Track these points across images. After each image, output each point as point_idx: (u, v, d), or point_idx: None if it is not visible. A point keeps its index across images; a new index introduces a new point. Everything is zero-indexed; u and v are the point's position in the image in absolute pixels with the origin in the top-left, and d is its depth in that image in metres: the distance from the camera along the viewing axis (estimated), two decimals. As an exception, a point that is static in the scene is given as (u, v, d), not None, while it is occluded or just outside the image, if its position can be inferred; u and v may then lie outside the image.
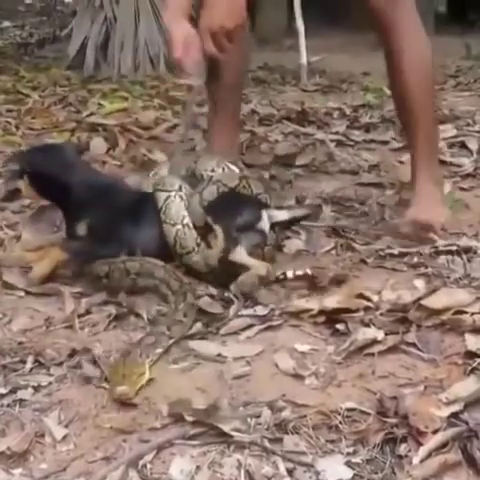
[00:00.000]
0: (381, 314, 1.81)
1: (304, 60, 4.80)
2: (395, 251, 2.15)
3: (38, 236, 2.26)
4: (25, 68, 5.14)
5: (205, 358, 1.68)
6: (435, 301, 1.81)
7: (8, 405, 1.52)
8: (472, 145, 3.12)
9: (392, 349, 1.68)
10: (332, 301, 1.83)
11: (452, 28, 6.08)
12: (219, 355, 1.68)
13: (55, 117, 3.75)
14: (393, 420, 1.43)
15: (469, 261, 2.08)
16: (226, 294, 1.92)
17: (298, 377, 1.59)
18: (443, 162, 2.87)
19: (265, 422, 1.44)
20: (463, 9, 7.08)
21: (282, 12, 6.05)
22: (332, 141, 3.21)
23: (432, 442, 1.36)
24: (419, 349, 1.68)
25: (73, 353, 1.70)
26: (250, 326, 1.79)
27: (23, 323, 1.84)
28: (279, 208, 2.18)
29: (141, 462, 1.35)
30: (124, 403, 1.51)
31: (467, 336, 1.69)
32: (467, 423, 1.41)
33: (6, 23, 7.90)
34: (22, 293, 1.98)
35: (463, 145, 3.14)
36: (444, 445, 1.36)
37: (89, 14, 5.16)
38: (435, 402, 1.47)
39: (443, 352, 1.67)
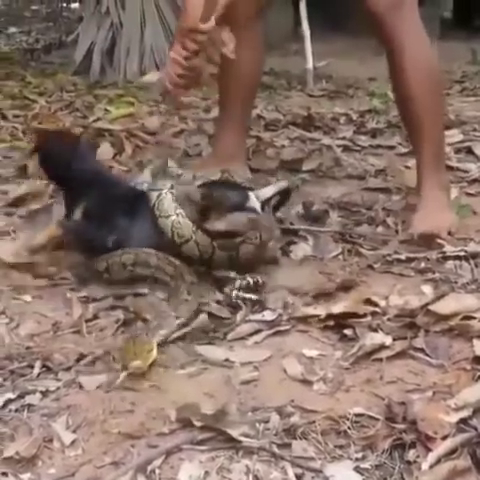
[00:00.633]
0: (389, 319, 1.80)
1: (310, 65, 4.80)
2: (402, 256, 2.15)
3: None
4: (31, 74, 5.15)
5: (212, 363, 1.67)
6: (443, 306, 1.81)
7: (16, 410, 1.52)
8: (478, 150, 3.12)
9: (400, 354, 1.67)
10: (339, 307, 1.83)
11: (458, 33, 6.07)
12: (227, 360, 1.68)
13: (62, 122, 3.75)
14: (402, 426, 1.42)
15: (477, 266, 2.08)
16: (233, 300, 1.92)
17: (306, 382, 1.59)
18: (449, 167, 2.86)
19: (274, 427, 1.44)
20: (469, 14, 7.09)
21: (287, 17, 6.06)
22: (338, 146, 3.21)
23: (441, 448, 1.35)
24: (427, 354, 1.68)
25: (81, 358, 1.70)
26: (258, 331, 1.79)
27: (31, 328, 1.84)
28: (260, 187, 2.19)
29: (150, 467, 1.35)
30: (131, 410, 1.51)
31: (475, 342, 1.69)
32: (476, 429, 1.40)
33: (12, 29, 7.93)
34: (29, 298, 1.99)
35: (469, 150, 3.14)
36: (453, 451, 1.35)
37: (95, 20, 5.18)
38: (444, 408, 1.46)
39: (451, 358, 1.67)
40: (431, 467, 1.33)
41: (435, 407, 1.47)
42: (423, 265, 2.10)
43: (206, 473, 1.34)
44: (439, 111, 2.44)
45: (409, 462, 1.36)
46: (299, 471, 1.34)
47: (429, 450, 1.36)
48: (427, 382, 1.58)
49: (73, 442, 1.43)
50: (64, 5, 7.88)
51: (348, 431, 1.43)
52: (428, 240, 2.20)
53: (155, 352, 1.64)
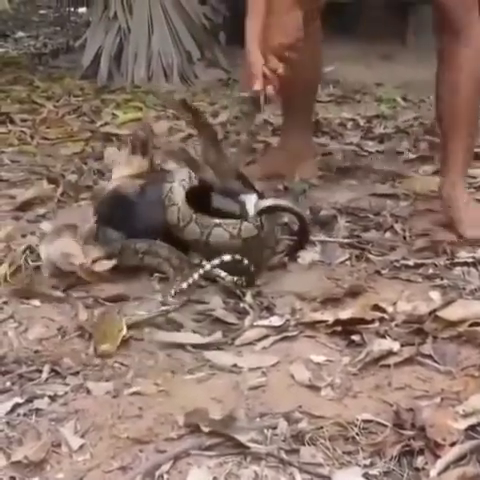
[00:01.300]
0: (397, 325, 1.80)
1: (317, 70, 4.79)
2: (410, 262, 2.14)
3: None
4: (39, 78, 5.16)
5: (220, 368, 1.68)
6: (451, 313, 1.81)
7: (25, 414, 1.53)
8: (486, 156, 3.11)
9: (408, 361, 1.67)
10: (347, 313, 1.83)
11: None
12: (235, 366, 1.68)
13: (69, 127, 3.77)
14: (410, 432, 1.42)
15: (485, 273, 2.08)
16: (241, 305, 1.92)
17: (314, 388, 1.59)
18: (457, 173, 2.86)
19: (282, 433, 1.44)
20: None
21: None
22: (346, 152, 3.21)
23: (450, 455, 1.36)
24: (435, 361, 1.68)
25: (88, 362, 1.70)
26: (265, 337, 1.79)
27: (39, 332, 1.85)
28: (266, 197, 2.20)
29: (158, 472, 1.35)
30: (139, 415, 1.51)
31: (483, 348, 1.69)
32: (485, 436, 1.41)
33: (20, 33, 7.94)
34: (38, 302, 1.99)
35: (477, 156, 3.13)
36: (462, 458, 1.36)
37: (103, 25, 5.18)
38: (452, 414, 1.46)
39: (459, 364, 1.67)
40: (439, 474, 1.33)
41: (443, 414, 1.47)
42: (431, 271, 2.10)
43: (214, 479, 1.34)
44: (477, 113, 2.45)
45: (417, 469, 1.36)
46: (307, 477, 1.34)
47: (438, 457, 1.36)
48: (435, 388, 1.58)
49: (81, 447, 1.43)
50: (72, 10, 7.86)
51: (356, 437, 1.43)
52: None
53: (124, 332, 1.73)
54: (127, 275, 2.11)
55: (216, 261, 1.95)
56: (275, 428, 1.45)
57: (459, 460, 1.35)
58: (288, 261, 2.17)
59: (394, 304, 1.88)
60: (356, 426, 1.45)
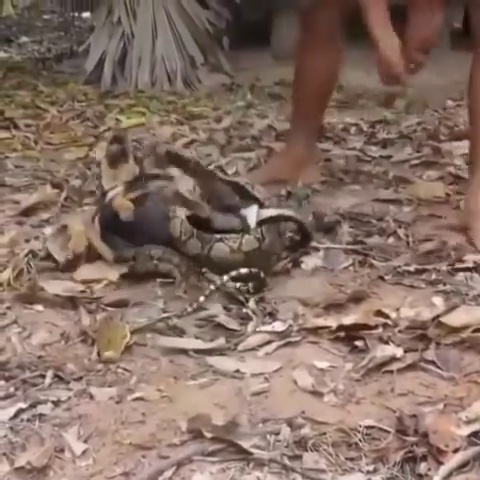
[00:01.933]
0: (400, 331, 1.80)
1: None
2: (413, 268, 2.14)
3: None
4: (43, 83, 5.18)
5: (223, 374, 1.68)
6: (454, 318, 1.81)
7: (28, 420, 1.53)
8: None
9: (411, 367, 1.67)
10: (350, 319, 1.83)
11: (468, 44, 6.06)
12: (237, 371, 1.68)
13: (73, 132, 3.78)
14: (413, 438, 1.42)
15: (488, 278, 2.08)
16: (244, 310, 1.93)
17: (317, 394, 1.59)
18: (461, 178, 2.87)
19: (284, 439, 1.44)
20: (479, 25, 7.07)
21: (297, 28, 6.07)
22: (349, 157, 3.21)
23: (453, 461, 1.35)
24: (438, 367, 1.67)
25: (92, 368, 1.71)
26: (268, 342, 1.79)
27: (42, 337, 1.85)
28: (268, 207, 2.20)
29: (160, 478, 1.35)
30: (142, 420, 1.52)
31: (486, 354, 1.69)
32: (488, 442, 1.40)
33: (24, 38, 7.97)
34: (41, 307, 1.99)
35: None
36: (465, 464, 1.35)
37: (107, 30, 5.20)
38: (455, 421, 1.46)
39: (462, 370, 1.66)
40: (442, 480, 1.33)
41: (446, 420, 1.47)
42: (434, 277, 2.10)
43: (217, 485, 1.34)
44: None
45: (420, 475, 1.35)
46: (310, 483, 1.34)
47: (441, 463, 1.36)
48: (438, 395, 1.58)
49: (84, 452, 1.43)
50: (76, 15, 7.91)
51: (359, 443, 1.43)
52: None
53: (128, 338, 1.75)
54: (130, 280, 2.12)
55: (233, 273, 1.96)
56: (278, 434, 1.45)
57: (462, 467, 1.35)
58: (291, 267, 2.17)
59: (397, 310, 1.88)
60: (359, 432, 1.45)
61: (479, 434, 1.43)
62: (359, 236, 2.37)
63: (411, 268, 2.14)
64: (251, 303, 1.94)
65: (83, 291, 2.06)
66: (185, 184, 2.15)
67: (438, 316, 1.82)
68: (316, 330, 1.82)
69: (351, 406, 1.55)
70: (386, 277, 2.11)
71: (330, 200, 2.70)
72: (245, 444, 1.41)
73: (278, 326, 1.84)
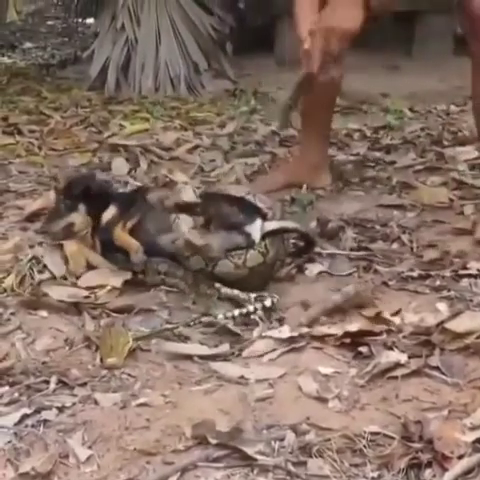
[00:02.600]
0: (404, 337, 1.80)
1: (324, 81, 4.80)
2: (417, 274, 2.14)
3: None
4: (47, 89, 5.18)
5: (228, 380, 1.68)
6: (458, 324, 1.81)
7: (32, 425, 1.53)
8: (494, 167, 3.11)
9: (415, 373, 1.67)
10: (355, 325, 1.83)
11: (471, 50, 6.07)
12: (242, 377, 1.68)
13: (77, 138, 3.78)
14: (418, 445, 1.42)
15: (492, 284, 2.08)
16: (252, 317, 1.93)
17: (321, 400, 1.59)
18: (464, 184, 2.87)
19: (289, 445, 1.44)
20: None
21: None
22: (353, 162, 3.21)
23: (457, 467, 1.35)
24: (443, 373, 1.67)
25: (96, 374, 1.71)
26: (273, 348, 1.79)
27: (46, 343, 1.86)
28: (271, 219, 2.21)
29: (165, 484, 1.35)
30: (146, 426, 1.52)
31: (491, 360, 1.69)
32: (493, 448, 1.40)
33: (28, 44, 7.98)
34: (45, 313, 2.00)
35: None
36: (470, 471, 1.35)
37: (111, 36, 5.21)
38: (460, 427, 1.46)
39: (467, 376, 1.66)
40: (447, 487, 1.33)
41: (451, 426, 1.47)
42: (438, 283, 2.10)
43: (222, 491, 1.34)
44: None
45: (425, 482, 1.35)
46: (315, 489, 1.34)
47: (445, 470, 1.36)
48: (443, 401, 1.58)
49: (89, 458, 1.44)
50: (79, 21, 7.90)
51: (364, 450, 1.42)
52: None
53: (130, 345, 1.76)
54: (134, 286, 2.12)
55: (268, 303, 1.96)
56: (282, 440, 1.45)
57: (467, 473, 1.35)
58: (295, 273, 2.17)
59: (401, 316, 1.88)
60: (364, 438, 1.45)
61: (484, 440, 1.43)
62: (363, 242, 2.37)
63: (415, 274, 2.14)
64: (255, 308, 1.94)
65: (87, 297, 2.06)
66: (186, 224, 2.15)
67: (442, 322, 1.82)
68: (321, 336, 1.82)
69: (356, 412, 1.55)
70: (390, 283, 2.11)
71: (334, 206, 2.70)
72: (249, 450, 1.41)
73: (282, 332, 1.84)
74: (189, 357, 1.76)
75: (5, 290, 2.10)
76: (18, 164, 3.34)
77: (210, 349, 1.79)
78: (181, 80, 5.04)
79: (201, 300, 2.00)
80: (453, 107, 4.21)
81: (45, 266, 2.20)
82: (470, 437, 1.43)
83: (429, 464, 1.38)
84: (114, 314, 1.98)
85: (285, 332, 1.83)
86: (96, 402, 1.60)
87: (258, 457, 1.40)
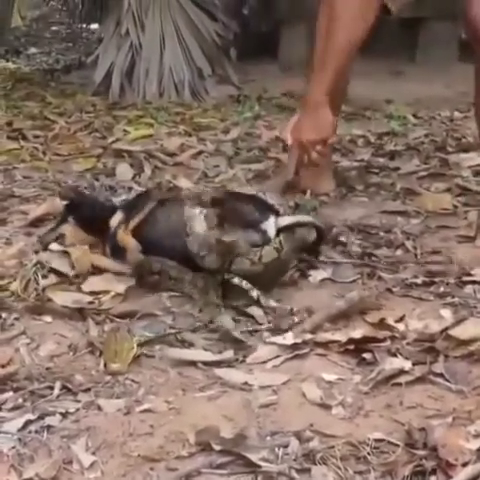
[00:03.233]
0: (408, 344, 1.80)
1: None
2: (421, 280, 2.14)
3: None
4: (51, 94, 5.19)
5: (231, 386, 1.67)
6: (462, 331, 1.81)
7: (36, 431, 1.53)
8: (498, 174, 3.11)
9: (420, 379, 1.67)
10: (359, 331, 1.83)
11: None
12: (246, 383, 1.68)
13: (81, 143, 3.78)
14: (422, 452, 1.42)
15: (496, 291, 2.08)
16: (252, 322, 1.93)
17: (325, 407, 1.59)
18: (468, 190, 2.87)
19: (293, 452, 1.43)
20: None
21: (304, 40, 6.09)
22: (356, 168, 3.22)
23: (462, 475, 1.35)
24: (447, 380, 1.67)
25: (100, 379, 1.71)
26: (277, 354, 1.79)
27: (50, 349, 1.85)
28: (284, 214, 2.21)
29: (169, 491, 1.35)
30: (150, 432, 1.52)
31: (495, 367, 1.68)
32: (497, 456, 1.40)
33: (33, 49, 8.01)
34: (49, 318, 2.00)
35: None
36: (474, 478, 1.35)
37: (115, 41, 5.22)
38: (464, 434, 1.46)
39: (471, 383, 1.66)
40: (452, 494, 1.32)
41: (455, 433, 1.46)
42: (442, 289, 2.10)
43: (225, 497, 1.34)
44: None
45: (429, 489, 1.35)
46: (318, 497, 1.34)
47: (449, 477, 1.36)
48: (447, 408, 1.57)
49: (92, 464, 1.43)
50: (84, 26, 7.93)
51: (368, 457, 1.42)
52: None
53: (135, 351, 1.76)
54: (138, 292, 2.12)
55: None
56: (286, 447, 1.45)
57: (471, 481, 1.35)
58: (299, 279, 2.17)
59: (405, 322, 1.88)
60: (368, 445, 1.45)
61: (488, 448, 1.42)
62: (367, 248, 2.37)
63: (419, 280, 2.14)
64: (259, 315, 1.94)
65: (91, 302, 2.06)
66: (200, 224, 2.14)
67: (446, 329, 1.82)
68: (324, 342, 1.82)
69: (359, 419, 1.55)
70: (394, 289, 2.11)
71: (338, 212, 2.70)
72: (253, 457, 1.41)
73: (286, 338, 1.83)
74: (193, 363, 1.76)
75: (9, 295, 2.10)
76: (22, 169, 3.34)
77: (214, 355, 1.79)
78: (185, 86, 5.05)
79: (208, 309, 1.99)
80: (457, 113, 4.21)
81: (49, 271, 2.20)
82: (474, 444, 1.42)
83: (433, 471, 1.38)
84: (118, 319, 1.98)
85: (289, 339, 1.82)
86: (100, 408, 1.60)
87: (262, 464, 1.40)
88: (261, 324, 1.92)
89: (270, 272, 2.08)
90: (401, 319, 1.90)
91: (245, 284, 2.02)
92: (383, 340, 1.81)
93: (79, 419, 1.57)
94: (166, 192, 2.55)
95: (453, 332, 1.80)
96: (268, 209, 2.17)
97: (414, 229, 2.52)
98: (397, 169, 3.21)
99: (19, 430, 1.53)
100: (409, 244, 2.40)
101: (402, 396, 1.61)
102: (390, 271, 2.22)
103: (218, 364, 1.75)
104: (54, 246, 2.33)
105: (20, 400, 1.63)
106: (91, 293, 2.10)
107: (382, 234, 2.48)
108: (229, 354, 1.79)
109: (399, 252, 2.36)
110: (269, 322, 1.93)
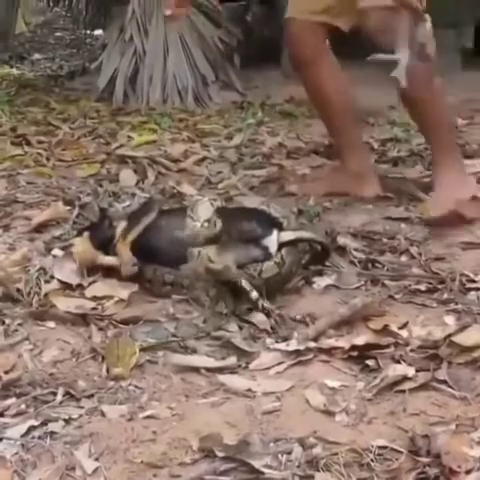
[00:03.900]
0: (411, 350, 1.80)
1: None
2: (424, 287, 2.14)
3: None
4: (55, 100, 5.20)
5: (235, 393, 1.67)
6: (466, 338, 1.81)
7: (39, 437, 1.53)
8: (501, 180, 3.10)
9: (423, 386, 1.67)
10: (362, 338, 1.82)
11: (479, 63, 6.09)
12: (249, 390, 1.68)
13: (85, 149, 3.79)
14: (425, 459, 1.41)
15: (499, 298, 2.07)
16: (255, 329, 1.92)
17: (329, 413, 1.59)
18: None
19: (296, 459, 1.43)
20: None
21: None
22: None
23: (465, 482, 1.35)
24: (450, 386, 1.67)
25: (103, 385, 1.71)
26: (280, 361, 1.79)
27: (53, 354, 1.86)
28: (288, 229, 2.21)
29: (172, 497, 1.35)
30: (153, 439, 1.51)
31: (499, 374, 1.68)
32: (500, 463, 1.39)
33: (37, 55, 8.03)
34: (53, 324, 2.00)
35: None
36: (478, 486, 1.35)
37: (119, 47, 5.24)
38: (468, 441, 1.45)
39: (474, 390, 1.66)
40: (455, 502, 1.32)
41: (459, 440, 1.46)
42: (445, 296, 2.09)
43: (228, 504, 1.33)
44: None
45: (433, 496, 1.35)
46: (322, 504, 1.34)
47: (453, 484, 1.35)
48: (450, 415, 1.57)
49: (95, 470, 1.43)
50: (88, 32, 7.97)
51: (371, 464, 1.42)
52: None
53: (137, 356, 1.76)
54: (141, 297, 2.12)
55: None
56: (289, 453, 1.45)
57: (474, 488, 1.35)
58: (302, 286, 2.17)
59: (409, 329, 1.88)
60: (371, 452, 1.44)
61: (492, 455, 1.42)
62: (371, 254, 2.36)
63: (422, 287, 2.14)
64: (263, 321, 1.94)
65: (94, 308, 2.06)
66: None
67: (450, 335, 1.81)
68: (328, 349, 1.82)
69: (363, 426, 1.55)
70: (397, 296, 2.11)
71: (341, 218, 2.70)
72: (257, 463, 1.41)
73: (289, 345, 1.83)
74: (196, 369, 1.76)
75: (13, 301, 2.10)
76: (26, 175, 3.34)
77: (217, 362, 1.79)
78: (189, 92, 5.06)
79: (213, 320, 1.98)
80: (460, 120, 4.21)
81: (53, 277, 2.21)
82: (478, 452, 1.42)
83: (437, 478, 1.38)
84: (121, 325, 1.98)
85: (292, 345, 1.82)
86: (103, 414, 1.60)
87: (265, 470, 1.40)
88: (263, 330, 1.92)
89: (270, 287, 2.07)
90: (404, 326, 1.90)
91: (245, 284, 2.01)
92: (386, 347, 1.81)
93: (82, 425, 1.57)
94: (170, 199, 2.53)
95: (456, 339, 1.80)
96: (271, 223, 2.18)
97: (417, 235, 2.52)
98: (400, 175, 3.21)
99: (22, 436, 1.53)
100: (413, 250, 2.39)
101: (405, 403, 1.61)
102: (393, 278, 2.21)
103: (221, 370, 1.75)
104: (57, 251, 2.33)
105: (23, 406, 1.63)
106: (94, 299, 2.11)
107: (385, 240, 2.48)
108: (232, 360, 1.79)
109: (403, 258, 2.35)
110: (272, 328, 1.93)
